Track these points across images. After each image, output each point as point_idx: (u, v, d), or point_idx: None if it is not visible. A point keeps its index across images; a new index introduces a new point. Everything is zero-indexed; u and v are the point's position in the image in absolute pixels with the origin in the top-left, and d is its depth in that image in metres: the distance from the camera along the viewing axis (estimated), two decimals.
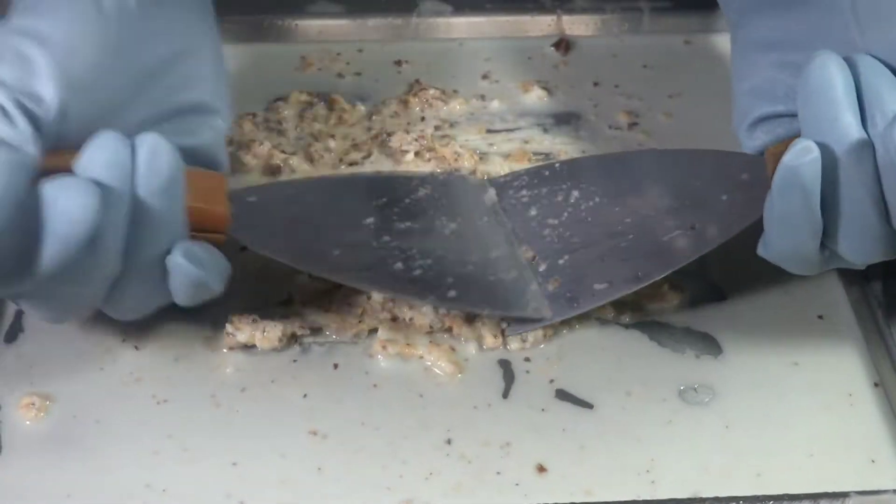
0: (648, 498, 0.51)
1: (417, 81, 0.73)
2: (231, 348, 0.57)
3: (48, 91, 0.46)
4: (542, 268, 0.59)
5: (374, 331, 0.58)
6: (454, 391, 0.56)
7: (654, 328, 0.59)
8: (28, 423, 0.54)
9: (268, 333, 0.57)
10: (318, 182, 0.64)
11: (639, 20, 0.79)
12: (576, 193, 0.61)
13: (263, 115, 0.70)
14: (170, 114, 0.53)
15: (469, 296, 0.57)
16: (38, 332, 0.58)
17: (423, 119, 0.71)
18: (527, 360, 0.57)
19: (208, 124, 0.55)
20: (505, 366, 0.57)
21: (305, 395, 0.55)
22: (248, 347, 0.57)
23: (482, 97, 0.73)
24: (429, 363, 0.57)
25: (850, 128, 0.48)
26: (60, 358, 0.57)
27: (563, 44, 0.77)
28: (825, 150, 0.48)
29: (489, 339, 0.57)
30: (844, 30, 0.52)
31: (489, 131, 0.70)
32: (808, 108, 0.50)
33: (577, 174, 0.62)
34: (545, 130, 0.70)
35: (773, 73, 0.54)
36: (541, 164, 0.65)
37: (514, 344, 0.57)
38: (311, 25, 0.78)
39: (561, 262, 0.58)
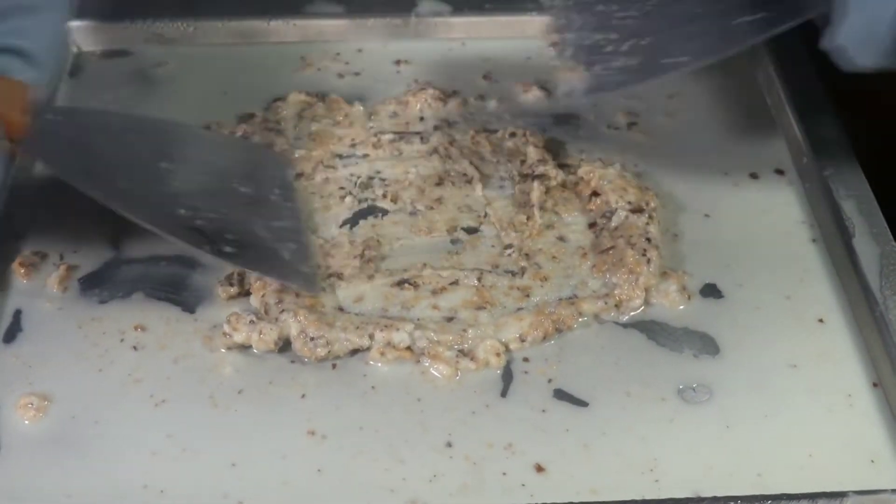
0: (653, 497, 0.51)
1: (417, 81, 0.73)
2: (229, 348, 0.57)
3: None
4: (623, 47, 0.62)
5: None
6: (452, 393, 0.56)
7: (652, 328, 0.59)
8: (27, 422, 0.54)
9: (264, 336, 0.57)
10: (125, 116, 0.65)
11: None
12: None
13: (263, 115, 0.70)
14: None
15: (245, 255, 0.58)
16: (37, 332, 0.58)
17: (422, 119, 0.71)
18: (525, 360, 0.57)
19: (39, 27, 0.55)
20: (503, 366, 0.57)
21: (304, 396, 0.55)
22: (247, 348, 0.57)
23: (481, 97, 0.73)
24: (426, 365, 0.57)
25: None
26: (59, 358, 0.57)
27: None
28: None
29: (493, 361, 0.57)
30: None
31: (487, 131, 0.70)
32: None
33: None
34: (544, 130, 0.70)
35: None
36: None
37: (514, 347, 0.57)
38: (310, 25, 0.78)
39: (643, 42, 0.61)
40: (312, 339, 0.56)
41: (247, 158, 0.66)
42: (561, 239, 0.63)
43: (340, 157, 0.68)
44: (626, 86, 0.62)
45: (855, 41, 0.53)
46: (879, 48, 0.53)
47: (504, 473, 0.52)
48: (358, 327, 0.57)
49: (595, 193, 0.64)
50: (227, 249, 0.58)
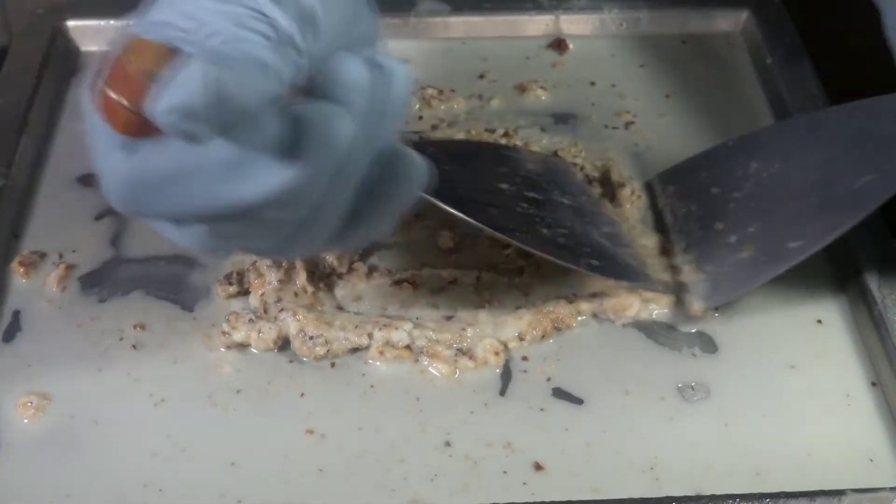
0: (652, 495, 0.51)
1: (415, 81, 0.73)
2: (228, 347, 0.57)
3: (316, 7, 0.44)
4: (732, 239, 0.59)
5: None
6: (451, 391, 0.56)
7: (651, 326, 0.59)
8: (26, 421, 0.54)
9: (263, 335, 0.57)
10: (449, 142, 0.63)
11: (636, 20, 0.78)
12: (754, 164, 0.61)
13: None
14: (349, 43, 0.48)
15: (607, 265, 0.57)
16: (36, 331, 0.58)
17: (420, 118, 0.71)
18: (524, 359, 0.57)
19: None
20: (502, 365, 0.57)
21: (303, 395, 0.55)
22: (246, 347, 0.57)
23: (480, 97, 0.73)
24: (425, 363, 0.57)
25: None
26: (58, 357, 0.57)
27: (561, 43, 0.77)
28: None
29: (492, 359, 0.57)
30: None
31: (487, 130, 0.70)
32: None
33: (752, 146, 0.62)
34: (543, 130, 0.70)
35: None
36: (713, 145, 0.66)
37: (513, 346, 0.58)
38: None
39: (751, 229, 0.59)
40: (311, 337, 0.56)
41: (545, 167, 0.64)
42: None
43: None
44: (742, 290, 0.57)
45: None
46: None
47: (505, 472, 0.52)
48: (357, 326, 0.57)
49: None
50: (594, 263, 0.56)
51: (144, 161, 0.42)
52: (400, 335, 0.57)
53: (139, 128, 0.40)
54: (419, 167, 0.46)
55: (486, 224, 0.55)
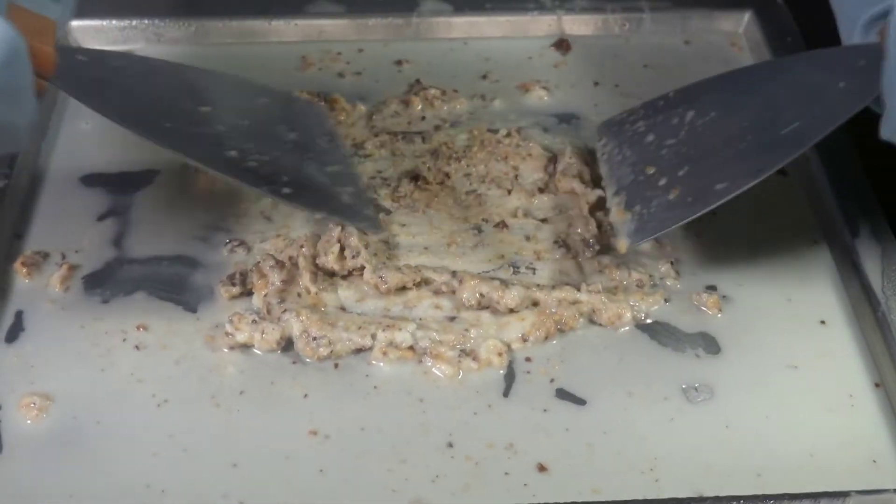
0: (654, 497, 0.51)
1: (418, 81, 0.73)
2: (231, 348, 0.57)
3: None
4: (661, 182, 0.60)
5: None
6: (454, 392, 0.56)
7: (654, 328, 0.59)
8: (29, 422, 0.54)
9: (266, 335, 0.57)
10: (158, 61, 0.63)
11: (639, 20, 0.78)
12: (691, 113, 0.62)
13: None
14: None
15: (304, 196, 0.58)
16: (39, 332, 0.58)
17: (423, 119, 0.71)
18: (528, 360, 0.57)
19: None
20: (505, 366, 0.57)
21: (306, 396, 0.55)
22: (249, 348, 0.57)
23: (483, 97, 0.73)
24: (428, 364, 0.57)
25: None
26: (61, 358, 0.57)
27: (564, 43, 0.77)
28: None
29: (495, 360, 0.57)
30: None
31: (490, 131, 0.70)
32: None
33: (691, 97, 0.64)
34: (546, 130, 0.70)
35: None
36: (655, 97, 0.67)
37: (516, 347, 0.58)
38: (311, 25, 0.78)
39: (680, 173, 0.60)
40: (315, 338, 0.56)
41: (286, 106, 0.65)
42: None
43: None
44: (666, 227, 0.59)
45: None
46: None
47: (506, 473, 0.52)
48: (360, 327, 0.57)
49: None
50: (285, 191, 0.57)
51: None
52: (403, 336, 0.57)
53: None
54: None
55: (148, 134, 0.55)
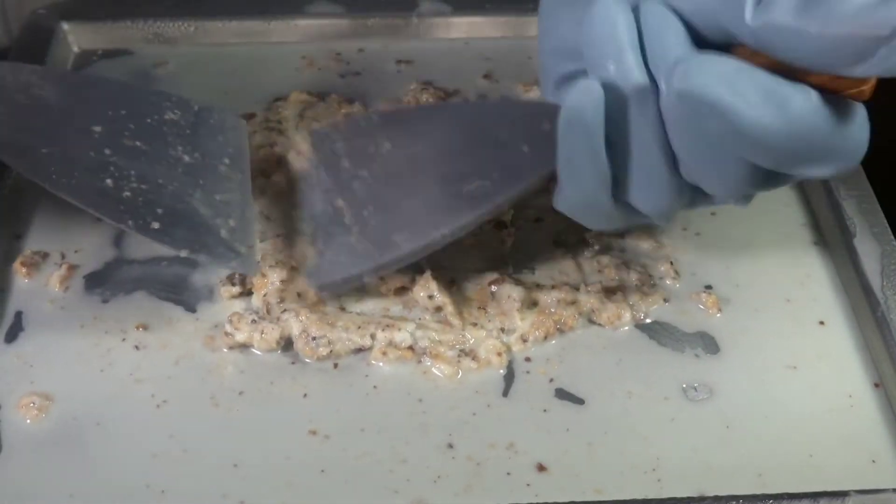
0: (656, 496, 0.51)
1: (418, 81, 0.73)
2: (231, 348, 0.57)
3: None
4: (346, 219, 0.58)
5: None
6: (454, 392, 0.56)
7: (653, 328, 0.59)
8: (28, 422, 0.54)
9: (266, 335, 0.57)
10: (63, 73, 0.62)
11: None
12: (387, 145, 0.59)
13: (264, 114, 0.70)
14: None
15: (172, 232, 0.55)
16: (39, 332, 0.58)
17: None
18: (527, 360, 0.57)
19: None
20: (505, 366, 0.57)
21: (305, 396, 0.55)
22: (248, 348, 0.57)
23: (484, 97, 0.73)
24: (428, 364, 0.57)
25: (631, 69, 0.47)
26: (61, 358, 0.57)
27: None
28: (611, 91, 0.47)
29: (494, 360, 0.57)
30: None
31: None
32: (591, 49, 0.48)
33: (391, 125, 0.61)
34: None
35: (572, 29, 0.52)
36: (360, 114, 0.65)
37: (516, 347, 0.57)
38: (311, 25, 0.78)
39: (365, 213, 0.58)
40: (314, 338, 0.56)
41: (198, 123, 0.62)
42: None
43: None
44: (339, 277, 0.56)
45: (576, 210, 0.52)
46: (601, 215, 0.51)
47: (508, 473, 0.52)
48: (360, 327, 0.57)
49: None
50: (154, 225, 0.55)
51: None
52: (403, 336, 0.57)
53: None
54: None
55: (17, 163, 0.54)
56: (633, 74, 0.47)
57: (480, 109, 0.61)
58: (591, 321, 0.59)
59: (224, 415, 0.54)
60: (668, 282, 0.61)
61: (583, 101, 0.47)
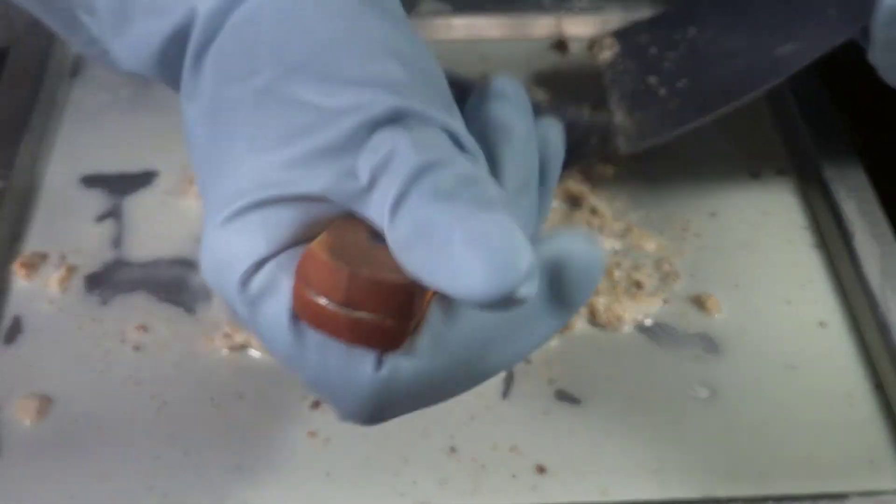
0: (659, 498, 0.51)
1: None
2: (230, 349, 0.57)
3: None
4: (662, 91, 0.63)
5: None
6: None
7: (653, 329, 0.59)
8: (27, 424, 0.54)
9: None
10: None
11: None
12: (692, 29, 0.66)
13: None
14: None
15: None
16: (38, 333, 0.58)
17: None
18: (526, 361, 0.57)
19: None
20: None
21: (305, 398, 0.55)
22: (247, 349, 0.57)
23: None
24: None
25: None
26: (60, 359, 0.57)
27: (563, 44, 0.77)
28: None
29: None
30: None
31: None
32: None
33: (692, 13, 0.67)
34: None
35: None
36: (659, 10, 0.71)
37: None
38: None
39: (679, 84, 0.63)
40: None
41: None
42: None
43: None
44: (665, 133, 0.62)
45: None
46: None
47: (514, 475, 0.52)
48: None
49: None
50: None
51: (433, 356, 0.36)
52: None
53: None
54: None
55: None
56: None
57: None
58: (591, 322, 0.59)
59: (224, 416, 0.54)
60: (667, 283, 0.61)
61: None
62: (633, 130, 0.63)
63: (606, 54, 0.69)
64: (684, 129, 0.61)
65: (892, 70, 0.56)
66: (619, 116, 0.64)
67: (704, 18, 0.66)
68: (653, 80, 0.64)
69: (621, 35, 0.70)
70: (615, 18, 0.78)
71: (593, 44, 0.74)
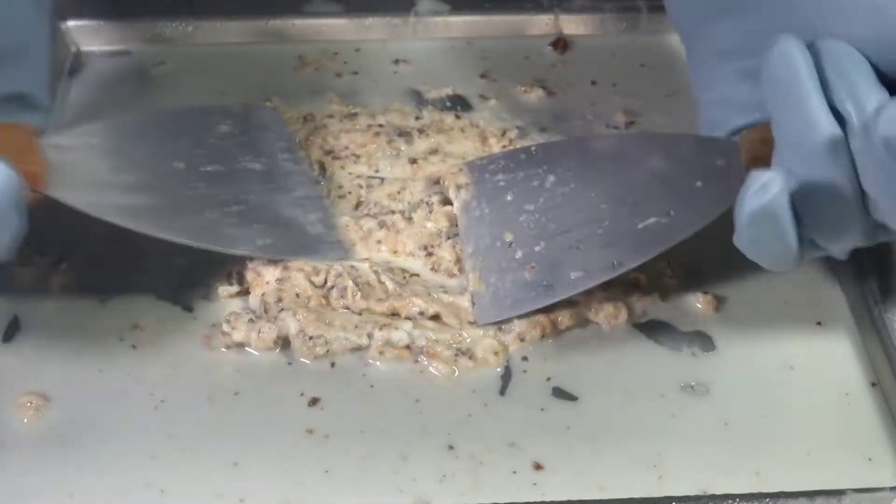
0: (656, 495, 0.51)
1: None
2: (228, 347, 0.57)
3: None
4: (518, 255, 0.58)
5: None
6: (451, 391, 0.56)
7: (650, 326, 0.59)
8: (25, 421, 0.54)
9: (263, 335, 0.57)
10: (119, 124, 0.62)
11: (636, 19, 0.79)
12: (552, 178, 0.60)
13: None
14: None
15: (280, 243, 0.58)
16: (36, 331, 0.58)
17: (417, 119, 0.71)
18: (524, 359, 0.57)
19: (31, 68, 0.54)
20: (502, 365, 0.57)
21: (302, 395, 0.55)
22: (246, 347, 0.57)
23: (481, 96, 0.73)
24: (425, 363, 0.57)
25: (819, 119, 0.46)
26: (58, 358, 0.57)
27: (561, 43, 0.77)
28: (798, 149, 0.47)
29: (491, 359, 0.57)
30: (806, 30, 0.49)
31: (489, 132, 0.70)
32: (774, 98, 0.48)
33: (553, 158, 0.61)
34: (543, 129, 0.70)
35: (738, 82, 0.53)
36: (517, 147, 0.65)
37: (512, 346, 0.57)
38: (309, 25, 0.78)
39: (537, 248, 0.58)
40: (311, 338, 0.56)
41: (244, 125, 0.64)
42: None
43: (339, 157, 0.68)
44: (518, 311, 0.57)
45: (758, 260, 0.51)
46: (784, 265, 0.51)
47: (514, 472, 0.52)
48: (357, 326, 0.57)
49: None
50: (260, 242, 0.57)
51: None
52: (400, 335, 0.57)
53: None
54: None
55: (135, 224, 0.56)
56: (822, 125, 0.46)
57: (648, 141, 0.61)
58: (589, 320, 0.59)
59: (222, 414, 0.54)
60: (665, 281, 0.61)
61: (766, 199, 0.46)
62: (486, 300, 0.57)
63: (459, 191, 0.62)
64: (536, 306, 0.57)
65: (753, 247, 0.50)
66: (472, 280, 0.58)
67: (565, 167, 0.60)
68: (509, 237, 0.58)
69: (478, 169, 0.62)
70: (613, 18, 0.78)
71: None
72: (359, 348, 0.57)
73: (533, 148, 0.63)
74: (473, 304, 0.58)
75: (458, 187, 0.62)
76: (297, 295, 0.58)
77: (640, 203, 0.57)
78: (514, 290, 0.57)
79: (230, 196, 0.58)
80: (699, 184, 0.55)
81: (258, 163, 0.61)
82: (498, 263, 0.59)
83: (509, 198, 0.60)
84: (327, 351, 0.57)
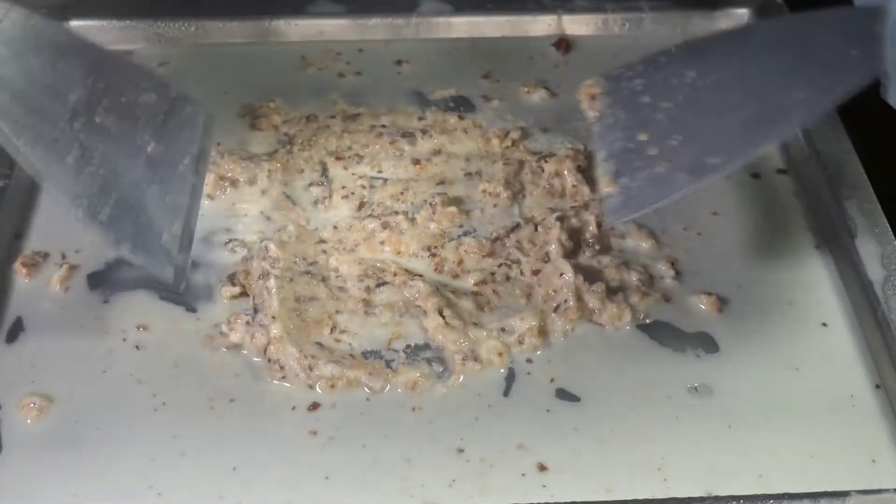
0: (662, 496, 0.51)
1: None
2: (228, 348, 0.57)
3: None
4: (651, 151, 0.56)
5: None
6: (457, 393, 0.56)
7: (653, 328, 0.59)
8: (28, 422, 0.54)
9: (255, 341, 0.56)
10: (57, 32, 0.58)
11: (639, 19, 0.78)
12: (692, 74, 0.59)
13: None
14: None
15: (118, 227, 0.54)
16: (40, 332, 0.58)
17: (420, 119, 0.71)
18: (528, 361, 0.57)
19: None
20: (506, 366, 0.57)
21: (302, 399, 0.55)
22: (241, 350, 0.57)
23: (484, 97, 0.73)
24: (429, 363, 0.57)
25: None
26: (61, 359, 0.57)
27: (564, 43, 0.77)
28: None
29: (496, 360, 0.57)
30: None
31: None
32: None
33: (693, 56, 0.60)
34: (546, 130, 0.70)
35: None
36: (658, 51, 0.63)
37: (515, 346, 0.57)
38: (311, 25, 0.78)
39: (672, 142, 0.56)
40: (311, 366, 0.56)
41: (170, 110, 0.60)
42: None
43: (342, 157, 0.68)
44: (648, 206, 0.55)
45: None
46: None
47: (523, 474, 0.52)
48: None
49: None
50: (102, 216, 0.53)
51: None
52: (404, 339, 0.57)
53: None
54: None
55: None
56: None
57: (795, 23, 0.60)
58: (592, 321, 0.59)
59: (222, 417, 0.54)
60: (668, 282, 0.61)
61: None
62: (616, 200, 0.55)
63: (594, 102, 0.61)
64: (670, 199, 0.55)
65: None
66: (604, 183, 0.56)
67: (706, 61, 0.59)
68: (643, 136, 0.57)
69: (613, 79, 0.61)
70: (616, 18, 0.78)
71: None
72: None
73: (673, 49, 0.62)
74: (604, 206, 0.56)
75: (592, 97, 0.61)
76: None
77: (785, 78, 0.56)
78: (644, 185, 0.55)
79: (100, 155, 0.54)
80: (853, 52, 0.54)
81: (155, 147, 0.57)
82: (630, 162, 0.56)
83: (646, 99, 0.59)
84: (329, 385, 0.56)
